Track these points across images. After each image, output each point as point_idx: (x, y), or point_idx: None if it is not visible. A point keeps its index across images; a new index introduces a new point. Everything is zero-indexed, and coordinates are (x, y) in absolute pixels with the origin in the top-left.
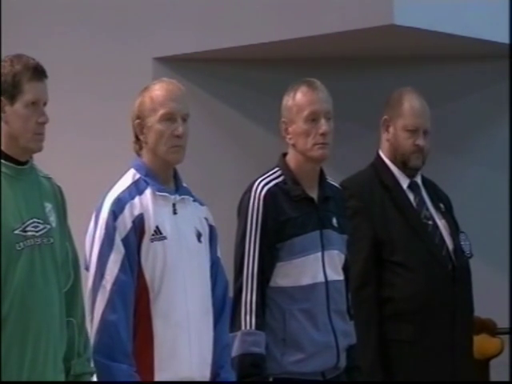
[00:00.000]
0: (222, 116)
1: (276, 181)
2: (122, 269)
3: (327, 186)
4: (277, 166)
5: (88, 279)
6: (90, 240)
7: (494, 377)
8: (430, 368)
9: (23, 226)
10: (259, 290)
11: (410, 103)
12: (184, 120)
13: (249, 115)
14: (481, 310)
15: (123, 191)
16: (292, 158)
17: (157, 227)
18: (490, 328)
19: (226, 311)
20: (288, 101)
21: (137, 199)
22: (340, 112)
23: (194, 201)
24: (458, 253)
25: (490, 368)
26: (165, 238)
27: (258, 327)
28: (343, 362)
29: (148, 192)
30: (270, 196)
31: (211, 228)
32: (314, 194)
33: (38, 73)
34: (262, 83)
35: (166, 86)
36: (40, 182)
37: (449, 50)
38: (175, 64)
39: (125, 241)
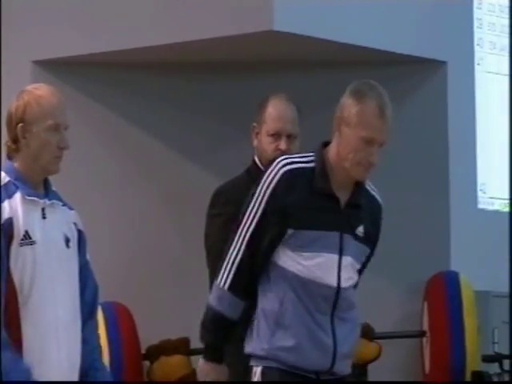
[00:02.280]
0: (101, 119)
1: (302, 165)
2: None
3: (364, 194)
4: (312, 152)
5: None
6: None
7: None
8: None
9: None
10: (246, 254)
11: (273, 108)
12: (65, 130)
13: (129, 118)
14: (359, 315)
15: None
16: (333, 151)
17: (26, 232)
18: (367, 333)
19: (94, 315)
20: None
21: (6, 203)
22: (220, 117)
23: (63, 205)
24: None
25: (368, 372)
26: (34, 242)
27: (230, 289)
28: (341, 369)
29: (17, 196)
30: (288, 176)
31: (80, 232)
32: (343, 195)
33: None
34: (142, 87)
35: (54, 95)
36: None
37: (328, 56)
38: (54, 67)
39: None
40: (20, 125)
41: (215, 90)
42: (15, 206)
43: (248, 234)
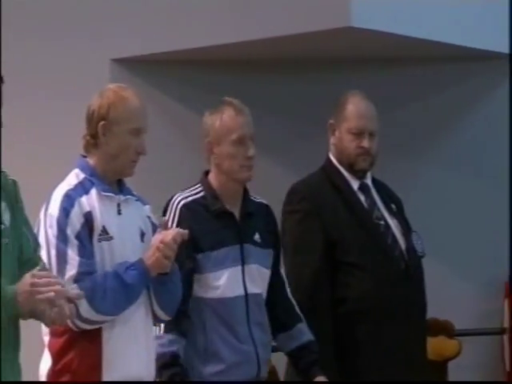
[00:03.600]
0: (179, 117)
1: (194, 197)
2: (84, 256)
3: (250, 203)
4: (198, 183)
5: None
6: (45, 244)
7: (452, 379)
8: (384, 367)
9: None
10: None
11: (354, 106)
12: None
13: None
14: (439, 312)
15: (71, 189)
16: (215, 177)
17: (103, 227)
18: (448, 330)
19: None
20: (215, 121)
21: (84, 198)
22: (295, 114)
23: (137, 200)
24: (410, 252)
25: (448, 370)
26: (111, 238)
27: (168, 331)
28: (265, 373)
29: (93, 192)
30: (187, 209)
31: (154, 226)
32: (235, 210)
33: None
34: (219, 85)
35: (138, 98)
36: None
37: (406, 52)
38: (132, 65)
39: (78, 235)
40: (102, 123)
41: (291, 87)
42: (92, 202)
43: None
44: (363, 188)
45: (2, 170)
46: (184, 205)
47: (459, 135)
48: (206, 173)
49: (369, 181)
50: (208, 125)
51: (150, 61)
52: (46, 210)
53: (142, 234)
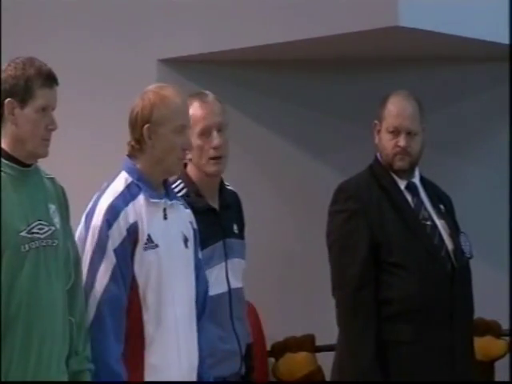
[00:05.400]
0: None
1: (179, 194)
2: (113, 279)
3: (226, 193)
4: (179, 179)
5: None
6: (81, 245)
7: (498, 378)
8: (429, 368)
9: (29, 228)
10: None
11: (393, 105)
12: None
13: (253, 116)
14: (486, 312)
15: (117, 197)
16: (192, 171)
17: (149, 235)
18: (494, 330)
19: (206, 308)
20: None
21: (130, 206)
22: (343, 114)
23: (181, 204)
24: (457, 253)
25: (495, 370)
26: (157, 246)
27: None
28: (243, 368)
29: (141, 198)
30: None
31: (194, 231)
32: (215, 203)
33: (51, 80)
34: (267, 85)
35: (179, 95)
36: (44, 183)
37: (453, 52)
38: (180, 66)
39: (118, 250)
40: (146, 126)
41: (338, 87)
42: (139, 209)
43: None
44: (410, 187)
45: (52, 175)
46: None
47: (499, 136)
48: (185, 165)
49: (416, 180)
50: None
51: (197, 61)
52: (91, 216)
53: (186, 240)
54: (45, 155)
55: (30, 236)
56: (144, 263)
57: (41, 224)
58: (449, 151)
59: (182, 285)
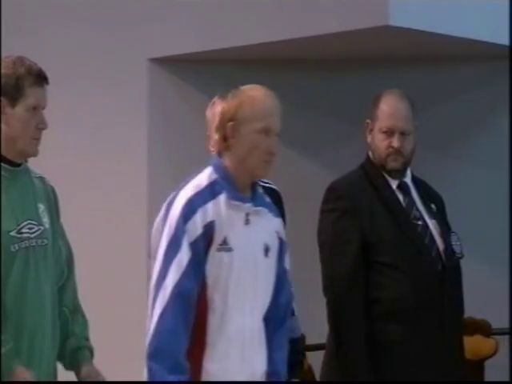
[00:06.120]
0: None
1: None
2: (186, 273)
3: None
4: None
5: (152, 272)
6: (158, 234)
7: (488, 378)
8: (419, 368)
9: (18, 228)
10: None
11: (386, 105)
12: (276, 136)
13: None
14: (476, 311)
15: (197, 193)
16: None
17: (225, 238)
18: (484, 329)
19: (286, 322)
20: (208, 114)
21: (210, 204)
22: (334, 113)
23: (270, 212)
24: (448, 253)
25: (485, 369)
26: (231, 249)
27: None
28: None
29: (222, 198)
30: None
31: (281, 241)
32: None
33: (41, 79)
34: (258, 84)
35: (268, 97)
36: (33, 183)
37: (444, 51)
38: (171, 65)
39: (193, 245)
40: (230, 123)
41: (330, 87)
42: (218, 209)
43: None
44: (402, 187)
45: (42, 175)
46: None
47: (500, 133)
48: None
49: (408, 179)
50: (212, 116)
51: (189, 60)
52: (170, 205)
53: (267, 249)
54: (35, 154)
55: (19, 236)
56: (214, 264)
57: (30, 224)
58: (439, 150)
59: (256, 294)
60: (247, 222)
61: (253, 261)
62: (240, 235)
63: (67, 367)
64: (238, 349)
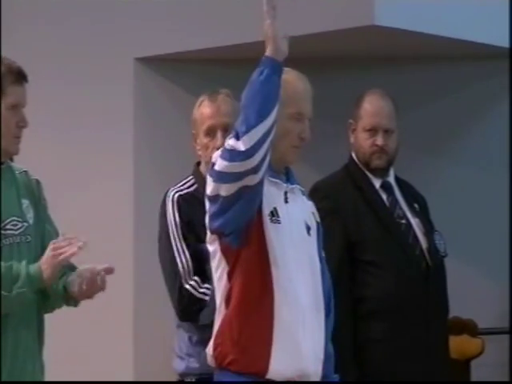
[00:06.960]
0: None
1: (188, 190)
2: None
3: None
4: (191, 175)
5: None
6: None
7: (474, 377)
8: (403, 367)
9: (3, 225)
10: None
11: (369, 104)
12: (308, 121)
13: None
14: (462, 311)
15: None
16: (203, 168)
17: (274, 209)
18: (470, 329)
19: (330, 312)
20: (194, 113)
21: None
22: (320, 113)
23: (303, 194)
24: (432, 252)
25: (471, 369)
26: (279, 221)
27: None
28: None
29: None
30: (183, 200)
31: (318, 224)
32: None
33: (21, 77)
34: (244, 83)
35: (301, 81)
36: (16, 179)
37: (429, 51)
38: (157, 64)
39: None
40: None
41: (317, 87)
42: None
43: (190, 265)
44: (385, 186)
45: (25, 169)
46: (179, 196)
47: (484, 133)
48: (198, 163)
49: (391, 179)
50: (193, 116)
51: (175, 59)
52: None
53: (308, 228)
54: (16, 153)
55: (4, 233)
56: (270, 233)
57: (14, 220)
58: (424, 150)
59: (306, 270)
60: (286, 200)
61: (298, 236)
62: (284, 211)
63: (69, 302)
64: (300, 328)
